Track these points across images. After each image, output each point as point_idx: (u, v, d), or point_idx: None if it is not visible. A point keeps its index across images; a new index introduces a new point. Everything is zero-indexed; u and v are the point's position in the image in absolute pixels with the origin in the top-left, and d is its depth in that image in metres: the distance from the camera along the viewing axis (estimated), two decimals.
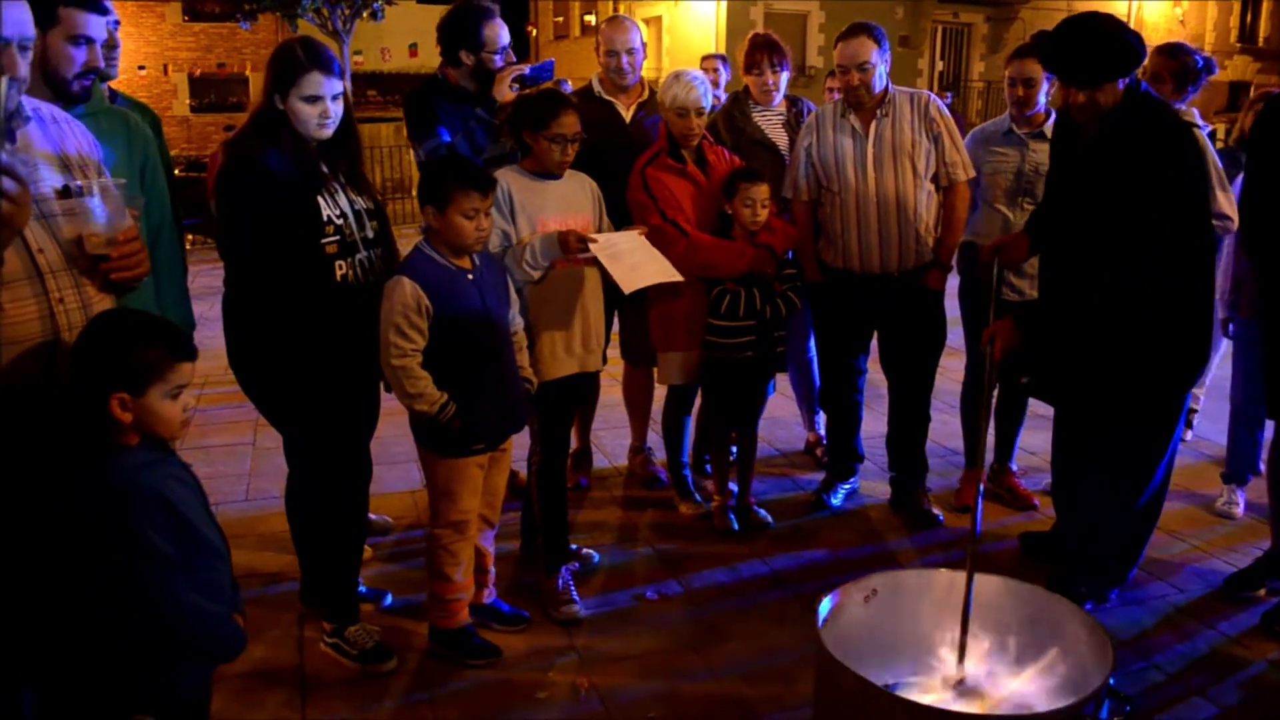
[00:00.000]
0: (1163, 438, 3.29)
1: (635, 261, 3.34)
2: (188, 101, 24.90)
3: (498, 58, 3.75)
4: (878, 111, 3.87)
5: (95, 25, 2.29)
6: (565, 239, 3.20)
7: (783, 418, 5.27)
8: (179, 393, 1.98)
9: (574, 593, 3.47)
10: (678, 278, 3.44)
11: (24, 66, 1.94)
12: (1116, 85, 3.00)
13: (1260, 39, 27.51)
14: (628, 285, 3.30)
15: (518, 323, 3.19)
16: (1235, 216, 3.99)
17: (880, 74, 3.84)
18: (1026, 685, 2.38)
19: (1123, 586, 3.54)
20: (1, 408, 1.94)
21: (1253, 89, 25.83)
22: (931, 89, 15.29)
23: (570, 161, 3.33)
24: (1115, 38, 2.99)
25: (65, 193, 2.09)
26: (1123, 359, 3.12)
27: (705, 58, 5.88)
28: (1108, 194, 3.02)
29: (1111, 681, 2.17)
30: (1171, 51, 4.01)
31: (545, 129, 3.23)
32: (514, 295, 3.18)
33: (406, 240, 3.04)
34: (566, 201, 3.36)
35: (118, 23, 3.22)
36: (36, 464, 1.93)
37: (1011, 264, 3.52)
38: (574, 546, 3.76)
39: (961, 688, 2.40)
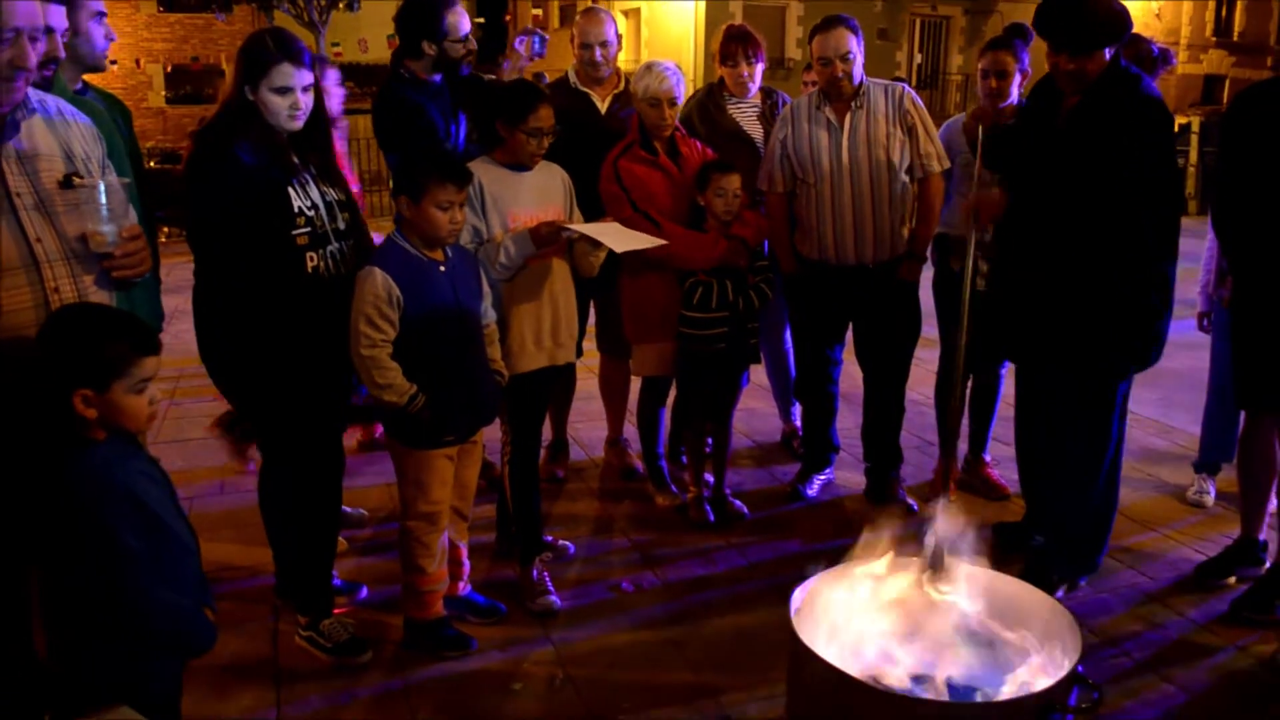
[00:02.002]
0: (1109, 404, 3.35)
1: (618, 235, 3.32)
2: (163, 93, 24.69)
3: (460, 46, 3.73)
4: (852, 104, 3.87)
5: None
6: (537, 231, 3.18)
7: (759, 409, 5.28)
8: (144, 387, 1.97)
9: (549, 584, 3.47)
10: (661, 242, 3.42)
11: (33, 57, 1.93)
12: (1104, 55, 3.11)
13: (1235, 33, 27.71)
14: (619, 247, 3.25)
15: (490, 316, 3.18)
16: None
17: (859, 65, 3.86)
18: (996, 673, 2.40)
19: (1093, 573, 3.58)
20: None
21: (1228, 83, 26.11)
22: (910, 82, 15.34)
23: (544, 154, 3.32)
24: (1107, 6, 3.11)
25: (67, 183, 2.08)
26: (1079, 313, 3.22)
27: None
28: (1083, 163, 3.10)
29: (1080, 669, 2.19)
30: (1128, 41, 4.03)
31: (522, 123, 3.21)
32: (487, 288, 3.16)
33: (384, 232, 3.03)
34: (538, 193, 3.35)
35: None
36: (26, 452, 1.92)
37: (992, 219, 3.50)
38: (550, 538, 3.76)
39: (932, 675, 2.41)
